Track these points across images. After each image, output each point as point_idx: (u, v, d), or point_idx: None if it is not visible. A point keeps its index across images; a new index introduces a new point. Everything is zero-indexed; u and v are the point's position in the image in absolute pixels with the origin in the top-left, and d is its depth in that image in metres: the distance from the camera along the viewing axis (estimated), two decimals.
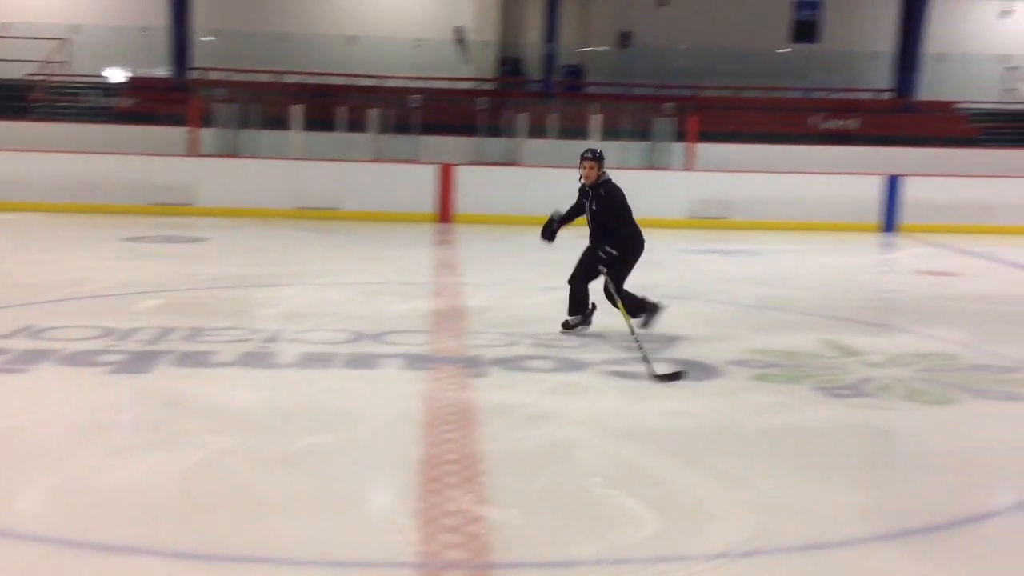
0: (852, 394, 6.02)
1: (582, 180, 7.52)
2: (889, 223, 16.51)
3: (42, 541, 3.73)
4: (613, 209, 7.47)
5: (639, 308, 7.61)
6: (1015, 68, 22.41)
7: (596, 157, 7.44)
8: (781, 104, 22.83)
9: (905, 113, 22.19)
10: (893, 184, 16.59)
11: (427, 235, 14.67)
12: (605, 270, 7.41)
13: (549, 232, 7.73)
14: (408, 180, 16.71)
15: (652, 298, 7.75)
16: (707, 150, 18.24)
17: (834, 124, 21.37)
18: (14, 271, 10.20)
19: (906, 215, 16.49)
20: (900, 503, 4.31)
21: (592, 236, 7.60)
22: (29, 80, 20.71)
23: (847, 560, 3.76)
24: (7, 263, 10.93)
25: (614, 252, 7.41)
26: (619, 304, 7.37)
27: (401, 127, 18.70)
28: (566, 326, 7.66)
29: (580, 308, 7.67)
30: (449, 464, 4.58)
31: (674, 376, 6.31)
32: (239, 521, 3.92)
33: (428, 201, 16.48)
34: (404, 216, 16.17)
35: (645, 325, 7.56)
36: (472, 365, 6.51)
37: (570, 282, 7.68)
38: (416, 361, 6.59)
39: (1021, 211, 16.43)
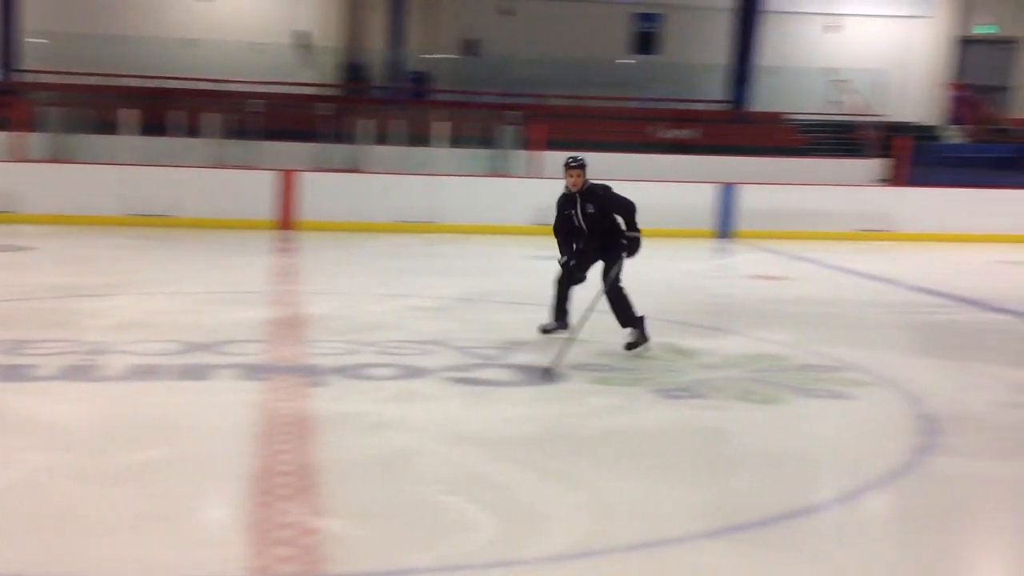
0: (687, 395, 6.18)
1: (566, 190, 7.47)
2: (724, 229, 17.05)
3: None
4: (616, 203, 7.46)
5: (633, 320, 7.41)
6: (838, 80, 23.48)
7: (582, 164, 7.44)
8: (623, 113, 23.33)
9: (739, 123, 23.00)
10: (728, 192, 17.15)
11: (268, 242, 14.36)
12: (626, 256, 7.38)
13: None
14: (248, 186, 16.32)
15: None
16: (552, 158, 18.40)
17: (673, 134, 21.96)
18: None
19: (740, 222, 17.06)
20: (731, 500, 4.44)
21: (589, 243, 7.52)
22: None
23: (679, 557, 3.84)
24: None
25: (637, 233, 7.38)
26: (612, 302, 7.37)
27: (241, 132, 18.27)
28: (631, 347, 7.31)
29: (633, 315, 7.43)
30: (283, 476, 4.48)
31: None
32: (62, 542, 3.74)
33: (269, 208, 16.14)
34: (244, 223, 15.77)
35: (630, 347, 7.31)
36: (311, 374, 6.40)
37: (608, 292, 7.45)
38: (252, 371, 6.43)
39: (845, 218, 17.21)
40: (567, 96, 23.31)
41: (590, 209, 7.43)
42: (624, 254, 7.38)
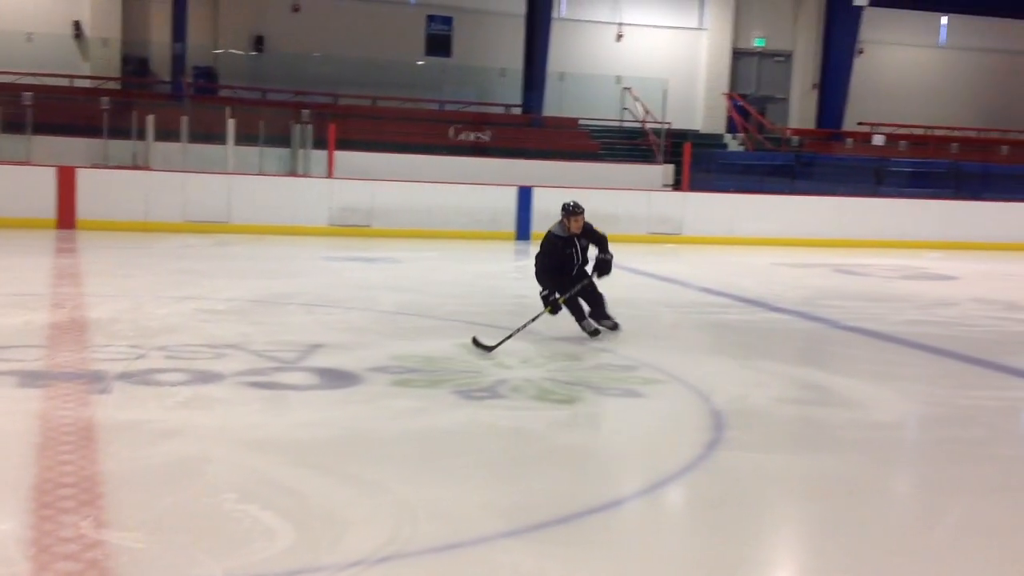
0: (488, 396, 6.21)
1: (564, 232, 8.12)
2: (523, 231, 17.32)
3: None
4: (599, 236, 8.28)
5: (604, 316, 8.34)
6: (628, 88, 24.28)
7: (583, 209, 8.14)
8: (418, 115, 23.36)
9: (533, 128, 23.43)
10: (526, 195, 17.44)
11: (46, 242, 13.57)
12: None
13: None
14: (23, 183, 15.40)
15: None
16: (347, 158, 18.27)
17: (469, 136, 22.14)
18: None
19: (537, 224, 17.38)
20: (531, 499, 4.48)
21: (575, 276, 8.17)
22: None
23: (480, 558, 3.84)
24: None
25: (610, 256, 8.21)
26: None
27: (12, 126, 17.18)
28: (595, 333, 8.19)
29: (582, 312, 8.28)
30: (65, 487, 4.22)
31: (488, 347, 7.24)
32: None
33: (47, 206, 15.25)
34: (19, 222, 14.86)
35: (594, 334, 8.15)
36: (94, 380, 6.06)
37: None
38: (30, 378, 6.05)
39: (637, 221, 17.82)
40: (361, 96, 23.13)
41: (584, 243, 8.21)
42: (596, 273, 8.16)
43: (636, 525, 4.35)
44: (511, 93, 24.44)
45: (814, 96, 27.71)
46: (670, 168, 21.48)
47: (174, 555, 3.65)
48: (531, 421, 5.80)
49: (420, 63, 25.80)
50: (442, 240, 16.53)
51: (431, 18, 26.28)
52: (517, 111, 24.43)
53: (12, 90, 18.37)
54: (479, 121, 22.98)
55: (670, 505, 4.71)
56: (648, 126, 23.31)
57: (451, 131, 21.90)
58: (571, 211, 8.12)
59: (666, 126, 22.62)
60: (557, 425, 5.76)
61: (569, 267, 8.17)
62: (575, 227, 8.12)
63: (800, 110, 28.18)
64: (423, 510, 4.22)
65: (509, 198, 17.47)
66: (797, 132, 26.37)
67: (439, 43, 26.41)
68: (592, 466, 5.10)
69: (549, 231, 8.31)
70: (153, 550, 3.67)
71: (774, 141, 24.96)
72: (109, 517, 3.95)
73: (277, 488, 4.40)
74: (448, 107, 24.30)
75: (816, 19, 27.72)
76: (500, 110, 24.45)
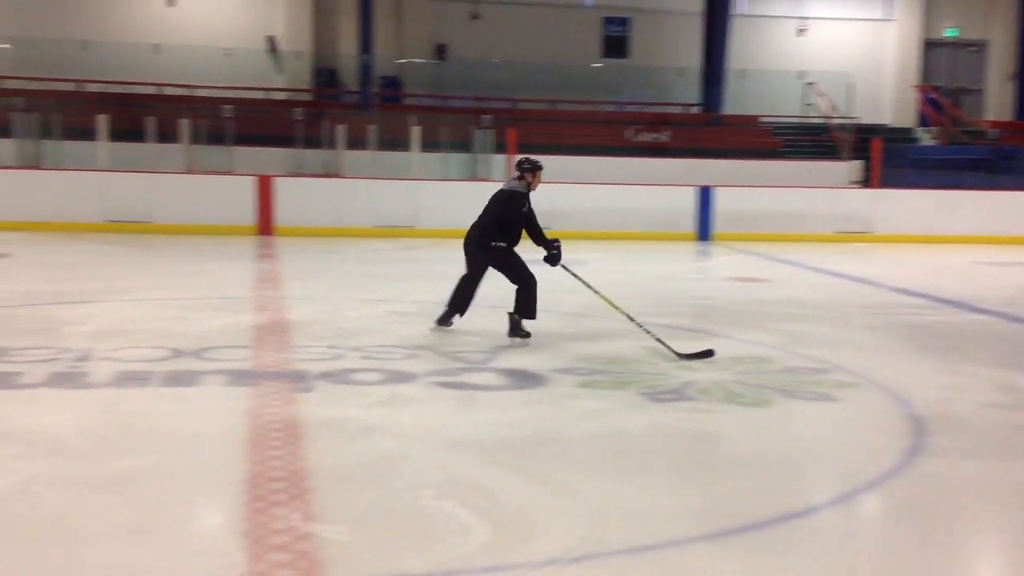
0: (674, 398, 6.19)
1: (527, 190, 7.90)
2: (703, 232, 17.13)
3: None
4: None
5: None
6: (809, 83, 23.66)
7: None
8: (596, 117, 23.42)
9: (713, 127, 23.13)
10: (705, 195, 17.23)
11: (247, 248, 14.30)
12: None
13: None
14: (225, 192, 16.27)
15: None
16: None
17: (647, 137, 22.04)
18: None
19: (718, 224, 17.16)
20: (721, 503, 4.44)
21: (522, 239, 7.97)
22: None
23: (673, 561, 3.85)
24: None
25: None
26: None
27: (214, 137, 18.19)
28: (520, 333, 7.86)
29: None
30: (275, 482, 4.45)
31: (705, 354, 7.05)
32: (54, 550, 3.70)
33: (247, 213, 16.08)
34: (222, 228, 15.71)
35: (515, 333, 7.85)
36: (297, 380, 6.37)
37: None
38: (239, 377, 6.40)
39: (822, 220, 17.34)
40: (539, 100, 23.36)
41: (530, 209, 7.99)
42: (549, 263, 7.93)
43: (832, 533, 4.25)
44: (689, 92, 24.20)
45: (1012, 87, 26.29)
46: (857, 164, 20.81)
47: (378, 548, 3.80)
48: (720, 424, 5.76)
49: (597, 65, 25.86)
50: (621, 241, 16.51)
51: (608, 20, 26.31)
52: (696, 110, 24.17)
53: (214, 104, 19.44)
54: (657, 121, 22.85)
55: (868, 513, 4.58)
56: (833, 122, 22.63)
57: (629, 132, 21.85)
58: (537, 166, 7.90)
59: (852, 121, 21.91)
60: (747, 429, 5.69)
61: (519, 229, 7.92)
62: (535, 185, 7.92)
63: (997, 101, 26.81)
64: (614, 511, 4.25)
65: (688, 198, 17.30)
66: (995, 124, 25.08)
67: (616, 45, 26.41)
68: (785, 471, 5.01)
69: (511, 189, 7.91)
70: (358, 543, 3.84)
71: (970, 134, 23.81)
72: (316, 510, 4.15)
73: (471, 486, 4.53)
74: (626, 108, 24.26)
75: (1012, 6, 26.29)
76: (678, 110, 24.25)
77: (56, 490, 4.31)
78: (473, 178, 18.72)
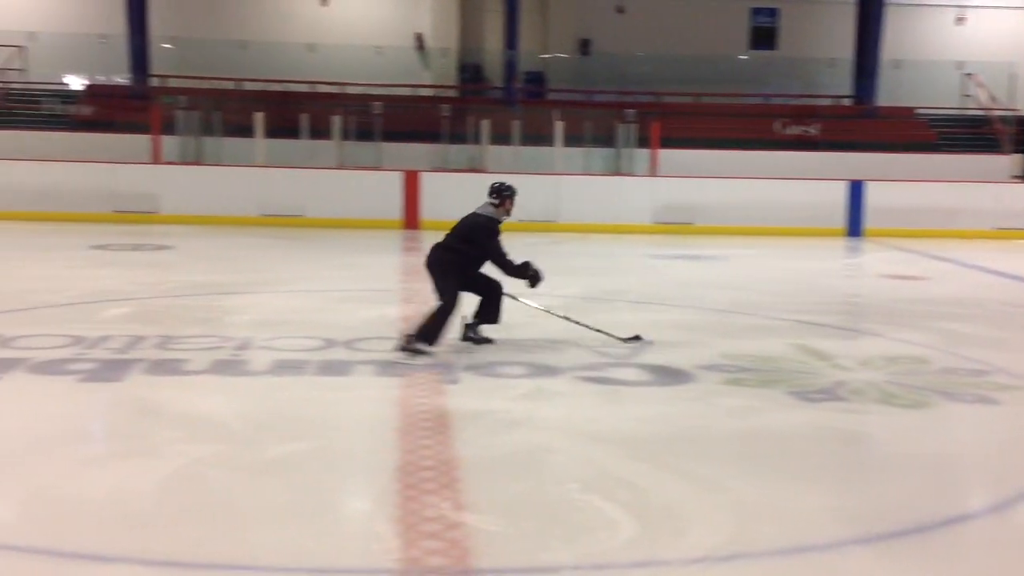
0: (825, 398, 6.05)
1: (506, 219, 7.37)
2: (854, 228, 16.68)
3: (18, 550, 3.67)
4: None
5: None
6: (971, 74, 22.72)
7: None
8: (742, 110, 23.01)
9: (865, 119, 22.43)
10: (857, 189, 16.77)
11: (394, 241, 14.62)
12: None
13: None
14: (373, 187, 16.68)
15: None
16: (670, 156, 18.34)
17: (795, 130, 21.55)
18: None
19: (870, 220, 16.67)
20: (876, 506, 4.33)
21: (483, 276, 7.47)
22: None
23: (827, 563, 3.78)
24: None
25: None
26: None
27: (363, 134, 18.64)
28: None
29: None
30: (426, 470, 4.56)
31: (635, 338, 7.20)
32: (216, 529, 3.88)
33: (394, 207, 16.45)
34: (370, 223, 16.11)
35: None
36: (444, 371, 6.49)
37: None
38: (388, 368, 6.56)
39: (981, 215, 16.67)
40: (684, 93, 23.10)
41: None
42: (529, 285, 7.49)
43: (992, 541, 4.10)
44: (840, 84, 23.54)
45: None
46: (1019, 158, 19.88)
47: (526, 539, 3.85)
48: (874, 426, 5.61)
49: (744, 57, 25.42)
50: (767, 237, 16.23)
51: (756, 11, 25.83)
52: (847, 102, 23.49)
53: (363, 101, 19.92)
54: (806, 114, 22.31)
55: None
56: (993, 114, 21.68)
57: (776, 125, 21.41)
58: (514, 193, 7.28)
59: (1014, 113, 20.94)
60: (903, 431, 5.52)
61: (482, 261, 7.28)
62: (511, 212, 7.32)
63: None
64: (764, 510, 4.20)
65: (839, 193, 16.87)
66: None
67: (764, 36, 25.91)
68: (942, 475, 4.85)
69: (487, 216, 7.20)
70: (507, 533, 3.90)
71: None
72: (466, 500, 4.23)
73: (617, 481, 4.53)
74: (773, 101, 23.77)
75: None
76: (828, 102, 23.62)
77: (220, 473, 4.51)
78: (616, 173, 18.67)
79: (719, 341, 7.69)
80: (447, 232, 7.35)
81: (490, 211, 7.29)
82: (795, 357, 7.11)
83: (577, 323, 7.62)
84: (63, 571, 3.53)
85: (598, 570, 3.61)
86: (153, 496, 4.19)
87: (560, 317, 7.70)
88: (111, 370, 6.25)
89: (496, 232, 7.27)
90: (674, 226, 16.88)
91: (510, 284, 7.43)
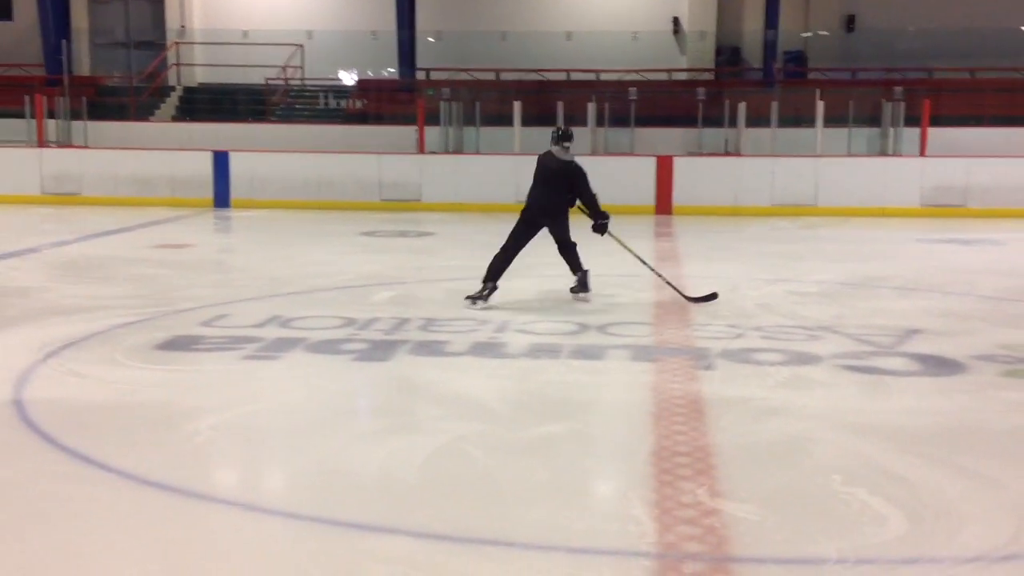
0: None
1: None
2: None
3: (293, 518, 3.94)
4: None
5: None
6: None
7: None
8: (1021, 85, 21.39)
9: None
10: None
11: (647, 227, 14.60)
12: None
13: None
14: (627, 172, 16.71)
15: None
16: (941, 135, 17.31)
17: None
18: (262, 265, 10.84)
19: None
20: None
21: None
22: (268, 85, 21.95)
23: None
24: (255, 257, 11.66)
25: None
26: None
27: (618, 120, 18.68)
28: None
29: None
30: (681, 456, 4.54)
31: (709, 297, 7.76)
32: (476, 505, 4.02)
33: (647, 193, 16.41)
34: (622, 208, 16.12)
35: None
36: (699, 357, 6.44)
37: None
38: (642, 352, 6.58)
39: None
40: (958, 68, 21.73)
41: None
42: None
43: None
44: None
45: None
46: None
47: (787, 531, 3.76)
48: None
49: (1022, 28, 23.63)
50: None
51: None
52: None
53: (619, 87, 19.97)
54: None
55: None
56: None
57: None
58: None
59: None
60: None
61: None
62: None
63: None
64: None
65: None
66: None
67: None
68: None
69: (572, 160, 8.27)
70: (767, 523, 3.82)
71: None
72: (722, 487, 4.18)
73: (884, 474, 4.35)
74: None
75: None
76: None
77: (481, 451, 4.67)
78: (881, 154, 17.82)
79: (995, 330, 7.22)
80: (532, 179, 8.36)
81: (566, 155, 8.20)
82: None
83: (652, 270, 8.42)
84: (333, 539, 3.75)
85: (864, 565, 3.47)
86: (418, 471, 4.39)
87: (641, 261, 8.50)
88: (380, 350, 6.59)
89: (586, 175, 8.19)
90: (945, 209, 15.95)
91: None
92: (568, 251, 8.34)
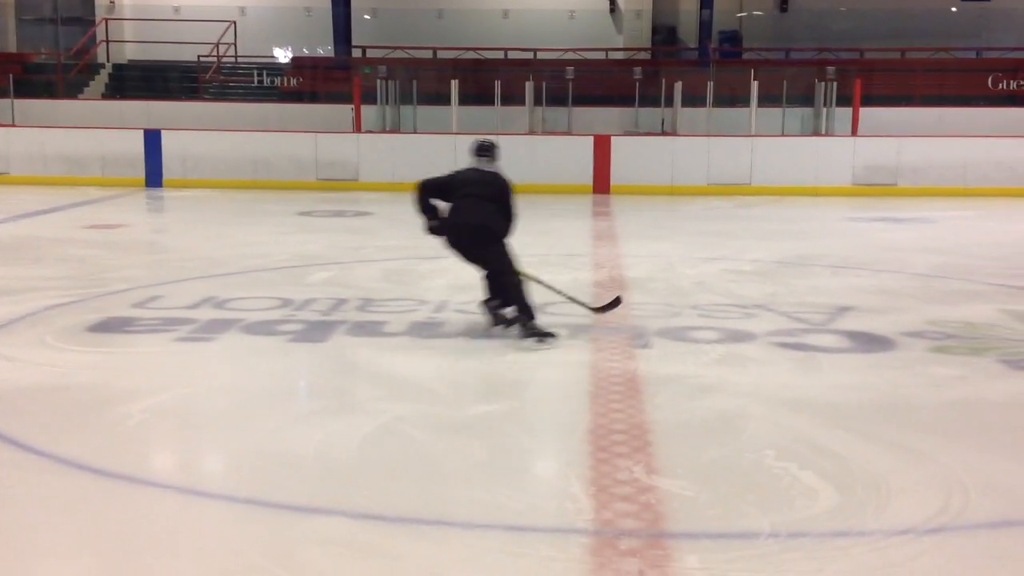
0: None
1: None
2: None
3: (230, 500, 3.91)
4: None
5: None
6: None
7: None
8: (950, 65, 21.79)
9: None
10: None
11: (585, 206, 14.65)
12: None
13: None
14: (565, 152, 16.73)
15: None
16: (872, 114, 17.59)
17: (1008, 85, 20.29)
18: (196, 246, 10.69)
19: None
20: None
21: None
22: (201, 62, 21.58)
23: None
24: (189, 238, 11.48)
25: None
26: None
27: (555, 99, 18.68)
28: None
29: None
30: (617, 434, 4.58)
31: (614, 303, 6.73)
32: (415, 485, 4.01)
33: (585, 173, 16.46)
34: (561, 188, 16.18)
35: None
36: (636, 336, 6.49)
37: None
38: (580, 331, 6.60)
39: None
40: (889, 49, 22.07)
41: None
42: None
43: None
44: None
45: None
46: None
47: (721, 505, 3.82)
48: None
49: (954, 10, 24.05)
50: (978, 198, 15.39)
51: None
52: None
53: (556, 66, 19.96)
54: (1020, 68, 20.93)
55: None
56: None
57: (990, 80, 20.19)
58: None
59: None
60: None
61: None
62: None
63: None
64: (973, 483, 4.01)
65: None
66: None
67: None
68: None
69: (502, 174, 6.71)
70: (701, 499, 3.88)
71: None
72: (658, 464, 4.23)
73: (815, 449, 4.43)
74: (986, 55, 22.42)
75: None
76: None
77: (420, 430, 4.67)
78: (814, 133, 18.06)
79: (924, 307, 7.38)
80: (465, 191, 6.60)
81: (495, 167, 6.76)
82: (1006, 324, 6.74)
83: (550, 287, 6.82)
84: (271, 521, 3.72)
85: (796, 538, 3.54)
86: (356, 452, 4.37)
87: (537, 281, 6.76)
88: (317, 331, 6.55)
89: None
90: (876, 188, 16.22)
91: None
92: (514, 286, 6.42)
